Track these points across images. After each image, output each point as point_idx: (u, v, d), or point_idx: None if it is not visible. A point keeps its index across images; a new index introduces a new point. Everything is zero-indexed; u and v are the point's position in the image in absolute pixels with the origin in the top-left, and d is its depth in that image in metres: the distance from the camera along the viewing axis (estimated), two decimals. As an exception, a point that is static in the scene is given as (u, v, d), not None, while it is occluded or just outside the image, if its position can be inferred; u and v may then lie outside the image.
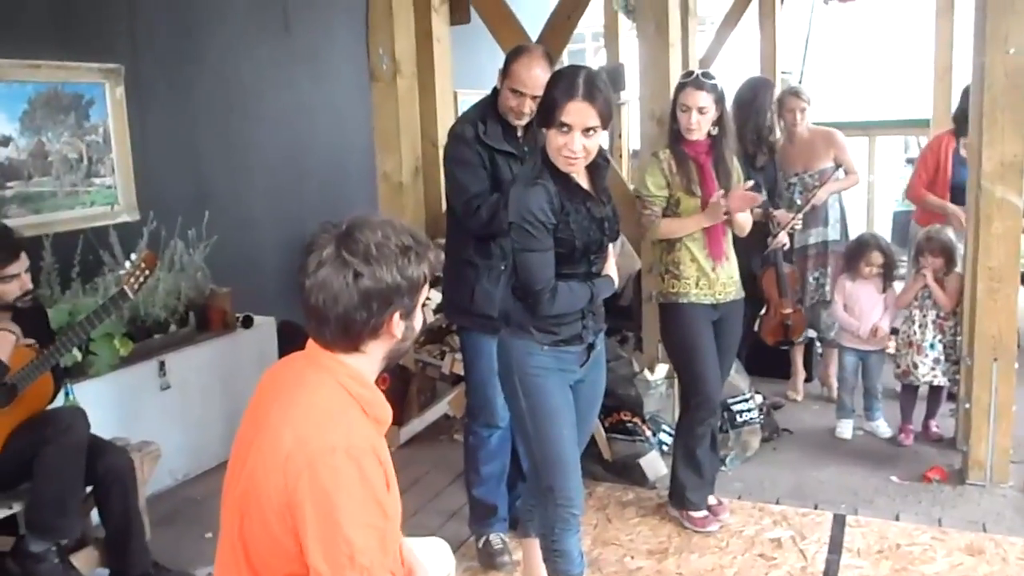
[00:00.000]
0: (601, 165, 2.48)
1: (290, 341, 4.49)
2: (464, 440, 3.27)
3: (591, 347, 2.53)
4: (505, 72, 2.97)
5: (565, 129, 2.26)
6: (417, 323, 1.68)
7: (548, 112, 2.29)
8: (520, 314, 2.44)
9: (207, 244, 4.21)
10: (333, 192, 5.71)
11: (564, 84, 2.27)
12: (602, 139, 2.43)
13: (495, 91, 3.05)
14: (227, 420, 4.13)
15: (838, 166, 4.47)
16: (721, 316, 3.21)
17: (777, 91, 4.89)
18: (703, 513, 3.34)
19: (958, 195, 4.22)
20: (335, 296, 1.54)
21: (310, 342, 1.65)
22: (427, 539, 2.07)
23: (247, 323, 4.26)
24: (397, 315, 1.60)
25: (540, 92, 2.91)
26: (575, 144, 2.26)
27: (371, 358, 1.64)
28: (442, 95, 4.26)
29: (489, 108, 3.04)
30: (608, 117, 2.30)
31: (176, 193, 4.48)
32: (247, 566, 1.57)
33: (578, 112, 2.24)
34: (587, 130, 2.26)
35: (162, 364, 3.83)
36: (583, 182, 2.43)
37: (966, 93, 4.31)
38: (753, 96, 4.31)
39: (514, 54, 2.99)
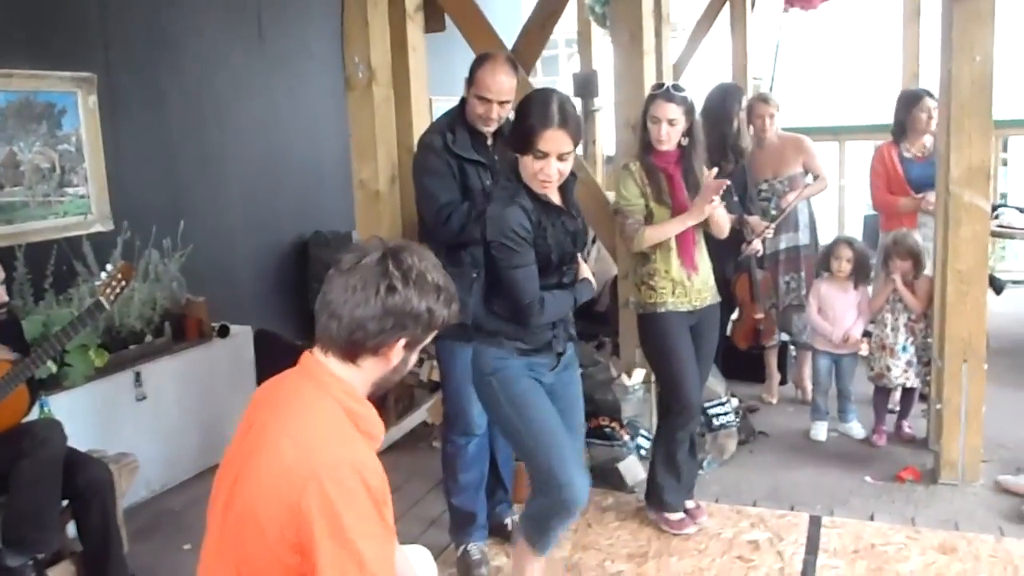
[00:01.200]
0: (569, 180, 2.54)
1: (266, 350, 4.48)
2: (442, 448, 3.28)
3: (560, 354, 2.61)
4: (470, 80, 3.00)
5: (541, 155, 2.35)
6: (412, 361, 1.71)
7: (524, 139, 2.37)
8: (490, 324, 2.53)
9: (182, 254, 4.19)
10: (308, 201, 5.71)
11: (539, 112, 2.34)
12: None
13: (463, 101, 3.07)
14: (204, 430, 4.11)
15: (807, 172, 4.54)
16: (699, 320, 3.24)
17: (748, 96, 4.94)
18: (680, 515, 3.37)
19: (916, 189, 4.42)
20: (361, 298, 1.57)
21: (304, 356, 1.66)
22: (410, 547, 2.08)
23: (223, 332, 4.24)
24: (403, 342, 1.62)
25: (506, 97, 2.99)
26: (550, 169, 2.36)
27: (363, 376, 1.64)
28: (418, 103, 4.26)
29: (457, 117, 3.06)
30: (579, 138, 2.40)
31: (150, 202, 4.45)
32: None
33: (554, 140, 2.33)
34: (561, 155, 2.37)
35: (138, 375, 3.80)
36: (555, 198, 2.50)
37: (900, 102, 4.57)
38: (721, 103, 4.36)
39: (478, 62, 3.02)
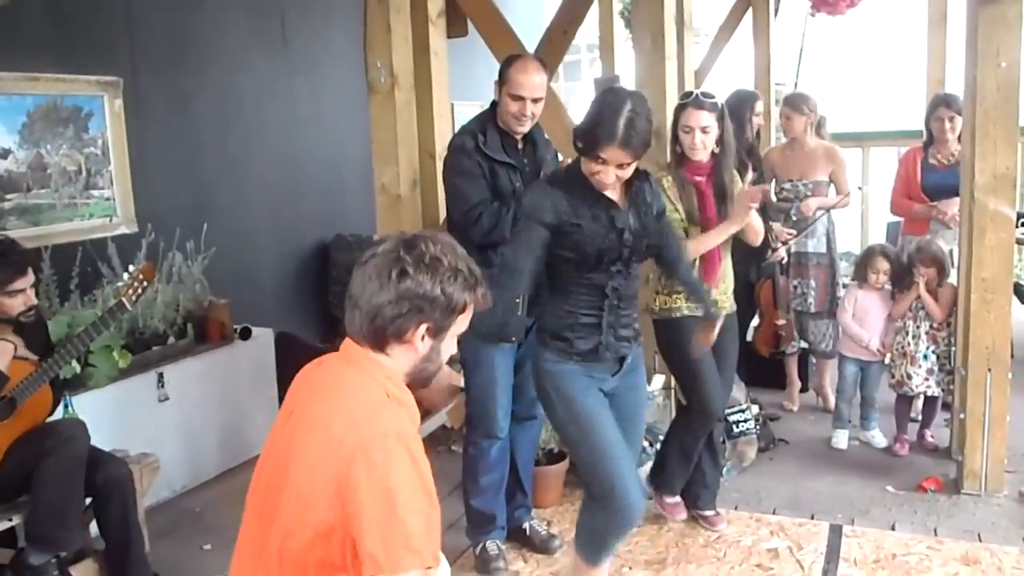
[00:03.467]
0: (640, 179, 2.54)
1: (288, 352, 4.51)
2: (463, 451, 3.28)
3: (622, 359, 2.56)
4: (502, 80, 3.04)
5: (600, 160, 2.36)
6: (445, 350, 1.71)
7: (587, 144, 2.37)
8: (543, 324, 2.54)
9: (205, 256, 4.23)
10: (331, 204, 5.74)
11: (606, 123, 2.32)
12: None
13: (494, 104, 3.10)
14: (225, 432, 4.14)
15: (831, 182, 4.52)
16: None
17: (772, 102, 4.93)
18: (676, 499, 3.39)
19: (930, 197, 4.41)
20: (376, 285, 1.60)
21: (345, 342, 1.69)
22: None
23: (245, 335, 4.27)
24: (424, 327, 1.63)
25: (539, 94, 3.02)
26: (608, 177, 2.38)
27: (395, 365, 1.67)
28: (439, 107, 4.27)
29: (489, 120, 3.10)
30: (643, 150, 2.38)
31: (174, 205, 4.50)
32: (278, 559, 1.58)
33: (614, 155, 2.33)
34: (621, 166, 2.37)
35: (160, 376, 3.84)
36: (612, 192, 2.47)
37: (927, 108, 4.56)
38: (734, 110, 4.34)
39: (508, 62, 3.07)
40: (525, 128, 3.07)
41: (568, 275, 2.47)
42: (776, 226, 4.32)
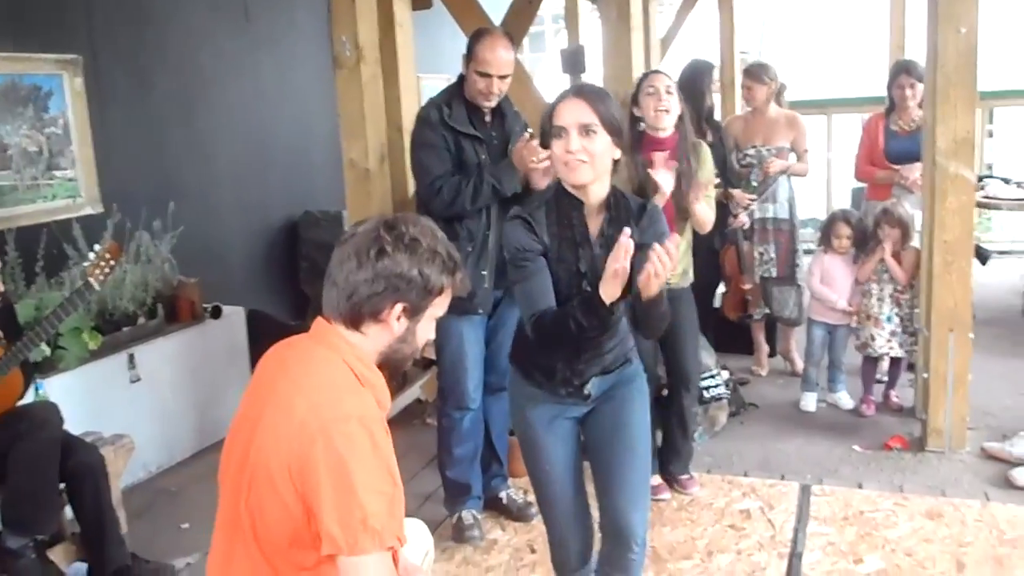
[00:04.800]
0: (630, 212, 2.19)
1: (259, 331, 4.50)
2: (437, 423, 3.32)
3: (582, 391, 2.25)
4: (469, 56, 3.03)
5: (560, 132, 2.07)
6: (421, 333, 1.72)
7: (544, 127, 2.14)
8: (513, 344, 2.37)
9: (173, 235, 4.19)
10: (298, 181, 5.70)
11: (556, 98, 2.14)
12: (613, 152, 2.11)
13: (461, 77, 3.10)
14: (198, 411, 4.13)
15: (792, 149, 4.58)
16: (671, 298, 3.24)
17: (737, 71, 4.97)
18: (689, 474, 3.53)
19: (893, 162, 4.49)
20: (354, 264, 1.61)
21: (316, 321, 1.70)
22: (406, 520, 2.11)
23: (216, 313, 4.25)
24: (400, 307, 1.64)
25: (505, 72, 3.02)
26: (572, 144, 2.04)
27: (370, 343, 1.67)
28: (406, 81, 4.25)
29: (456, 92, 3.11)
30: (611, 121, 2.07)
31: (140, 184, 4.44)
32: (252, 536, 1.60)
33: (569, 110, 2.06)
34: (584, 127, 2.04)
35: (131, 357, 3.81)
36: (593, 219, 2.15)
37: (889, 75, 4.62)
38: (694, 80, 4.39)
39: (476, 38, 3.06)
40: (492, 103, 3.08)
41: None
42: (736, 192, 4.39)
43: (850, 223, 4.23)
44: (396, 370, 1.78)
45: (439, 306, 1.71)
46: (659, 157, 3.05)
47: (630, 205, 2.19)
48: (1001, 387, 4.31)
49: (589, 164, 2.06)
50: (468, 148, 3.06)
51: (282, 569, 1.61)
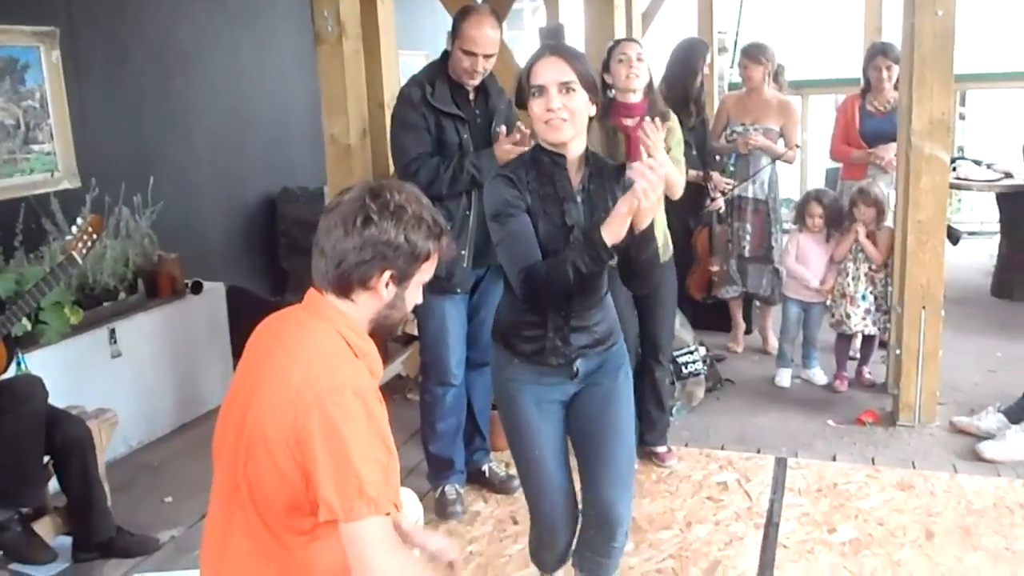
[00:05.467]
0: (607, 168, 2.20)
1: (239, 306, 4.50)
2: (420, 398, 3.34)
3: (570, 365, 2.20)
4: (455, 34, 3.00)
5: (538, 91, 2.05)
6: (410, 298, 1.74)
7: (519, 87, 2.13)
8: (497, 318, 2.28)
9: (153, 210, 4.17)
10: (277, 156, 5.68)
11: (531, 57, 2.11)
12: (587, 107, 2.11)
13: (445, 54, 3.07)
14: (179, 386, 4.13)
15: (781, 135, 4.63)
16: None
17: (716, 51, 5.00)
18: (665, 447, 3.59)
19: (868, 143, 4.57)
20: (341, 232, 1.63)
21: (309, 292, 1.72)
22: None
23: (196, 289, 4.24)
24: (388, 274, 1.66)
25: (491, 51, 2.98)
26: (553, 102, 2.03)
27: (360, 311, 1.70)
28: (387, 56, 4.24)
29: (439, 70, 3.07)
30: (589, 79, 2.07)
31: (118, 159, 4.41)
32: (250, 504, 1.63)
33: (547, 68, 2.05)
34: (563, 85, 2.03)
35: (112, 332, 3.80)
36: (573, 175, 2.14)
37: (865, 57, 4.69)
38: (686, 58, 4.42)
39: (462, 15, 3.01)
40: (476, 82, 3.05)
41: None
42: (715, 176, 4.47)
43: (822, 203, 4.30)
44: (387, 336, 1.81)
45: (426, 271, 1.73)
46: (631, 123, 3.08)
47: (607, 163, 2.22)
48: (970, 364, 4.42)
49: (570, 121, 2.05)
50: (450, 128, 3.03)
51: (280, 534, 1.64)
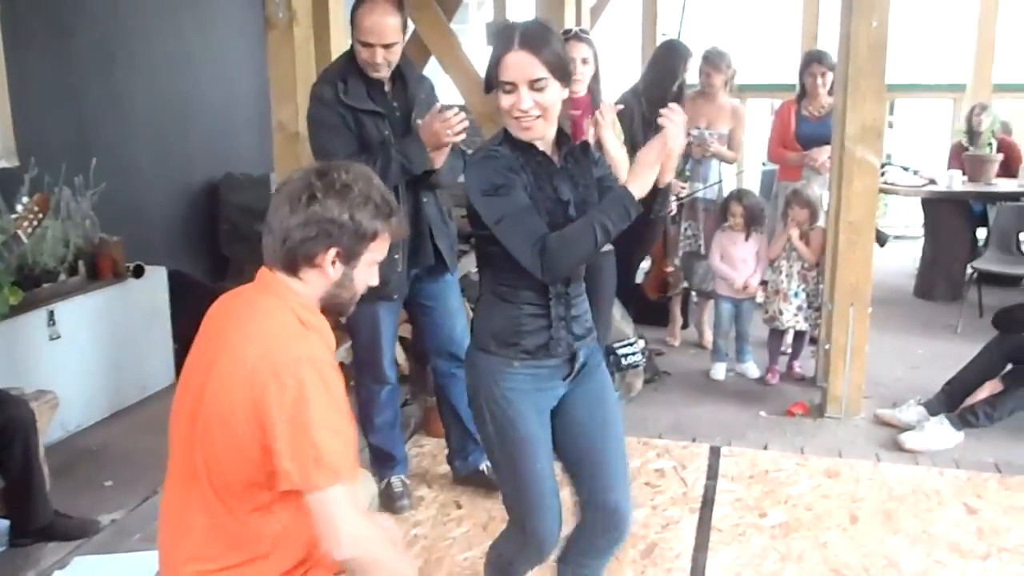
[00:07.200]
0: (579, 148, 2.16)
1: (181, 291, 4.45)
2: (356, 392, 3.23)
3: (573, 359, 2.12)
4: (352, 24, 2.80)
5: (508, 88, 1.95)
6: (359, 278, 1.75)
7: (488, 74, 2.00)
8: (483, 324, 2.10)
9: (94, 192, 4.10)
10: (221, 142, 5.62)
11: (500, 40, 1.99)
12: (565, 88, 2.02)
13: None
14: (119, 370, 4.08)
15: (729, 136, 4.78)
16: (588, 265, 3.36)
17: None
18: None
19: (803, 146, 4.76)
20: (287, 210, 1.66)
21: (260, 271, 1.74)
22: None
23: (138, 272, 4.19)
24: (334, 252, 1.68)
25: (389, 40, 2.77)
26: (523, 102, 1.93)
27: (309, 289, 1.72)
28: (338, 43, 4.24)
29: (350, 65, 2.89)
30: (560, 67, 1.96)
31: (59, 139, 4.33)
32: (207, 481, 1.66)
33: (516, 65, 1.92)
34: (534, 83, 1.93)
35: (51, 314, 3.74)
36: (553, 156, 2.08)
37: (800, 64, 4.88)
38: (667, 60, 4.51)
39: (357, 3, 2.80)
40: (383, 74, 2.85)
41: (506, 261, 1.98)
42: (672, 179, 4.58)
43: (743, 202, 4.44)
44: (338, 315, 1.83)
45: (376, 251, 1.74)
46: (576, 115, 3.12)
47: (572, 142, 2.16)
48: (893, 360, 4.63)
49: (543, 118, 1.97)
50: (369, 124, 2.85)
51: (237, 511, 1.67)
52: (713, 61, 4.76)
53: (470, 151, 2.36)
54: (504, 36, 1.97)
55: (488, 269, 2.10)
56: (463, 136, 2.81)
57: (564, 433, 2.18)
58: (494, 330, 2.07)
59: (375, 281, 1.80)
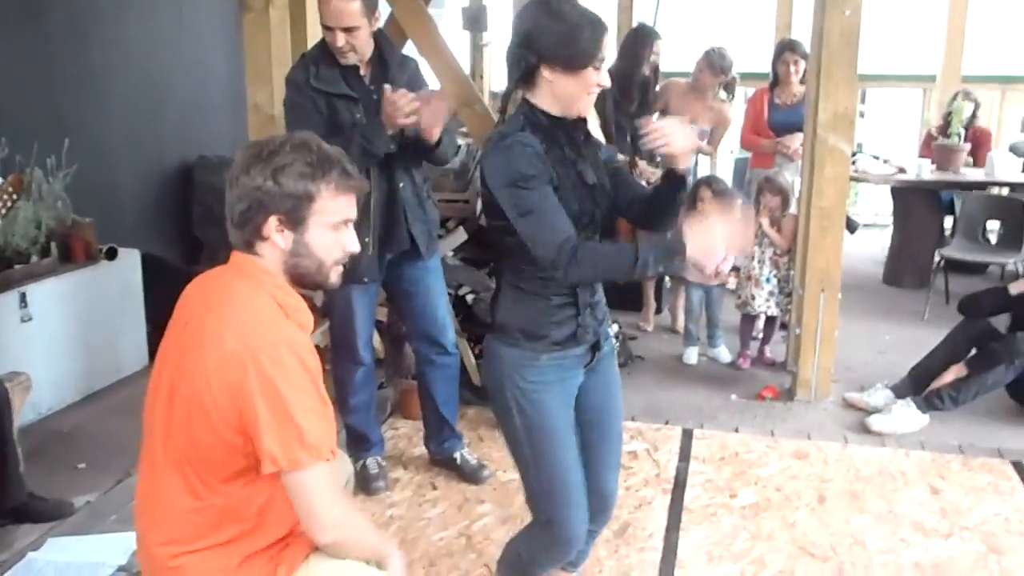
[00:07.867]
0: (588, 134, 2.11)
1: (154, 274, 4.42)
2: (332, 374, 3.25)
3: (596, 346, 2.14)
4: (318, 7, 2.81)
5: (601, 62, 1.96)
6: (316, 244, 1.70)
7: (584, 49, 1.93)
8: (508, 317, 2.07)
9: (67, 173, 4.06)
10: (194, 124, 5.57)
11: (586, 18, 1.94)
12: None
13: None
14: (91, 352, 4.05)
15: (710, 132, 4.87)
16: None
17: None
18: None
19: (776, 133, 4.86)
20: (228, 188, 1.69)
21: (234, 254, 1.75)
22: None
23: (111, 255, 4.16)
24: (275, 220, 1.67)
25: (348, 23, 2.75)
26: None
27: (270, 263, 1.71)
28: (313, 26, 4.22)
29: (324, 50, 2.90)
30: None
31: (30, 119, 4.27)
32: (187, 464, 1.67)
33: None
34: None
35: (23, 295, 3.71)
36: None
37: (774, 52, 4.96)
38: (633, 45, 4.56)
39: None
40: (350, 60, 2.86)
41: (529, 252, 1.93)
42: (642, 164, 4.63)
43: (712, 188, 4.48)
44: (313, 288, 1.80)
45: (326, 212, 1.68)
46: None
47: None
48: (861, 345, 4.72)
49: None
50: (342, 109, 2.86)
51: (217, 491, 1.69)
52: (709, 61, 4.83)
53: (457, 136, 2.32)
54: (591, 18, 1.95)
55: (507, 261, 2.06)
56: (415, 119, 2.76)
57: (582, 416, 2.19)
58: (521, 323, 2.05)
59: (352, 246, 1.76)
